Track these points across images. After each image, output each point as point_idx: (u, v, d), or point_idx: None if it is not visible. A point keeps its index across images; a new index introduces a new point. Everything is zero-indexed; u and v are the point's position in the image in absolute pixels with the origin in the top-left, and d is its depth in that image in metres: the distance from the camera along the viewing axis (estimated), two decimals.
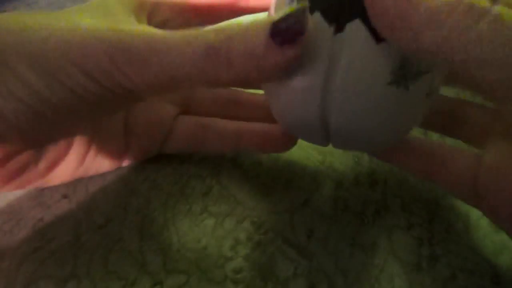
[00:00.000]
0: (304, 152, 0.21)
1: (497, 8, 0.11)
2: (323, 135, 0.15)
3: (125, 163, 0.20)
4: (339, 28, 0.13)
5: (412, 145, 0.17)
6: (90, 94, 0.14)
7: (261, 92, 0.20)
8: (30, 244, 0.17)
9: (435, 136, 0.21)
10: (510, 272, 0.15)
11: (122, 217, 0.18)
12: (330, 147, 0.16)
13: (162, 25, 0.18)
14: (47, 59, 0.13)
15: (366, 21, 0.13)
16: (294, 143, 0.19)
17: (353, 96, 0.14)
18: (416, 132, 0.21)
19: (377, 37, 0.13)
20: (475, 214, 0.18)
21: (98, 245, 0.17)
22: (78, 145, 0.18)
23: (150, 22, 0.17)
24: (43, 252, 0.16)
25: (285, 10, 0.13)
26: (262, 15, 0.15)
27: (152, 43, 0.13)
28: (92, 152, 0.19)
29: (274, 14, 0.15)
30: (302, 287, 0.15)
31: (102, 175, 0.20)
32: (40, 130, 0.15)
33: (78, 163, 0.19)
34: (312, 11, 0.13)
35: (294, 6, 0.13)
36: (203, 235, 0.17)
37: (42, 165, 0.17)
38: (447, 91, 0.19)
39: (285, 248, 0.17)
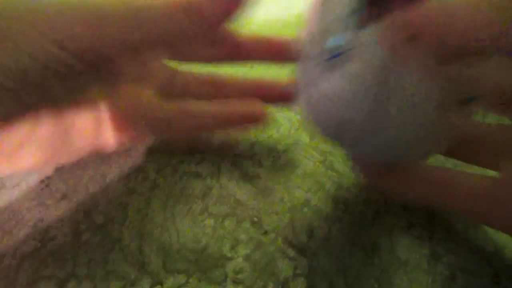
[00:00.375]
0: (304, 152, 0.21)
1: None
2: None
3: (109, 147, 0.20)
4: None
5: (413, 171, 0.16)
6: (56, 63, 0.13)
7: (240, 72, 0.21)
8: (30, 244, 0.17)
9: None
10: (510, 272, 0.15)
11: (122, 217, 0.18)
12: (330, 147, 0.16)
13: None
14: (9, 25, 0.13)
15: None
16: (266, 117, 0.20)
17: (408, 115, 0.13)
18: None
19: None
20: None
21: (98, 245, 0.17)
22: (46, 125, 0.17)
23: None
24: (43, 252, 0.16)
25: None
26: None
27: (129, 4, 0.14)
28: (62, 134, 0.18)
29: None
30: (302, 287, 0.15)
31: (102, 175, 0.20)
32: (2, 104, 0.14)
33: (48, 145, 0.17)
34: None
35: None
36: (203, 235, 0.17)
37: (6, 145, 0.16)
38: None
39: (285, 248, 0.17)
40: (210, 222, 0.18)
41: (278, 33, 0.22)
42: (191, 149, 0.21)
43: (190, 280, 0.15)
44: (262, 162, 0.21)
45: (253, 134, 0.23)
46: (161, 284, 0.15)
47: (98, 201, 0.19)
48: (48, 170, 0.21)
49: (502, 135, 0.17)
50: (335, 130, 0.15)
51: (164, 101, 0.20)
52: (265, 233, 0.17)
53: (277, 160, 0.21)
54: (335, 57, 0.13)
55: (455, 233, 0.17)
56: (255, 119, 0.20)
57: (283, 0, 0.36)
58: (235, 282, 0.15)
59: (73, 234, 0.17)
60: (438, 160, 0.19)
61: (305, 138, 0.22)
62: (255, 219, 0.18)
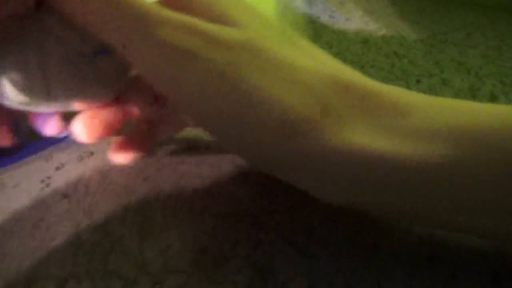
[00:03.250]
0: None
1: None
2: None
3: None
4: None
5: None
6: None
7: None
8: (30, 244, 0.17)
9: None
10: (510, 272, 0.15)
11: (122, 217, 0.18)
12: None
13: None
14: None
15: None
16: None
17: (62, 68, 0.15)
18: None
19: None
20: None
21: (98, 245, 0.17)
22: None
23: None
24: (43, 252, 0.16)
25: None
26: None
27: None
28: None
29: None
30: (302, 287, 0.15)
31: (102, 175, 0.20)
32: None
33: None
34: None
35: None
36: (203, 235, 0.17)
37: None
38: None
39: (285, 248, 0.17)
40: (210, 222, 0.18)
41: None
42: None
43: (190, 280, 0.15)
44: None
45: None
46: (161, 284, 0.15)
47: (98, 201, 0.19)
48: (48, 170, 0.21)
49: None
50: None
51: None
52: (265, 233, 0.17)
53: None
54: None
55: (455, 233, 0.17)
56: None
57: None
58: (235, 282, 0.15)
59: (73, 234, 0.17)
60: None
61: None
62: (255, 219, 0.18)
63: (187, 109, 0.15)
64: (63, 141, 0.23)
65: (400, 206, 0.14)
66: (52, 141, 0.23)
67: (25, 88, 0.15)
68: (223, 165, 0.21)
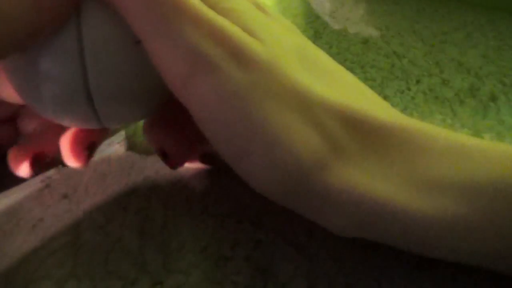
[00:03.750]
0: None
1: None
2: (88, 106, 0.15)
3: None
4: None
5: None
6: None
7: None
8: (30, 244, 0.17)
9: None
10: (510, 272, 0.15)
11: (122, 217, 0.18)
12: None
13: None
14: None
15: None
16: None
17: (104, 57, 0.14)
18: None
19: None
20: None
21: (98, 245, 0.17)
22: None
23: None
24: (43, 252, 0.16)
25: None
26: None
27: None
28: None
29: None
30: (302, 287, 0.15)
31: (102, 175, 0.20)
32: None
33: None
34: None
35: None
36: (203, 235, 0.17)
37: None
38: None
39: (285, 248, 0.17)
40: (210, 222, 0.18)
41: None
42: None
43: (190, 280, 0.15)
44: None
45: None
46: (161, 284, 0.15)
47: (98, 201, 0.19)
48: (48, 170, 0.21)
49: None
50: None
51: None
52: (265, 233, 0.17)
53: None
54: None
55: None
56: None
57: None
58: (235, 282, 0.15)
59: (73, 234, 0.17)
60: None
61: None
62: (255, 219, 0.18)
63: (196, 119, 0.14)
64: None
65: (405, 244, 0.14)
66: None
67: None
68: (223, 165, 0.21)
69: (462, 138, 0.14)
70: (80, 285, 0.15)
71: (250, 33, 0.15)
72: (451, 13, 0.48)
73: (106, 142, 0.23)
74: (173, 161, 0.18)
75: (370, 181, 0.13)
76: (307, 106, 0.14)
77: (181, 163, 0.19)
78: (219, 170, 0.21)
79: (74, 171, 0.21)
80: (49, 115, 0.16)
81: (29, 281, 0.15)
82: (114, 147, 0.23)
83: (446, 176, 0.13)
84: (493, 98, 0.29)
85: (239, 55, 0.14)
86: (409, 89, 0.30)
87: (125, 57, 0.14)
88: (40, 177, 0.20)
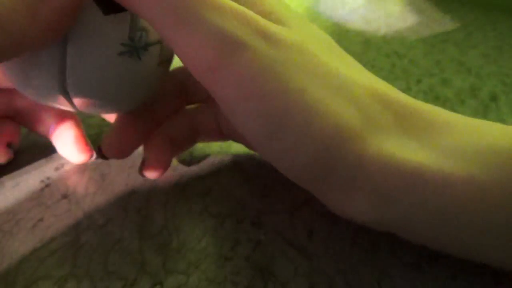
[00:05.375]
0: None
1: None
2: (66, 100, 0.16)
3: None
4: None
5: None
6: None
7: None
8: (30, 244, 0.17)
9: None
10: (510, 272, 0.15)
11: (122, 217, 0.18)
12: None
13: None
14: None
15: None
16: None
17: (86, 65, 0.14)
18: None
19: (105, 9, 0.13)
20: None
21: (98, 245, 0.17)
22: None
23: None
24: (43, 252, 0.16)
25: None
26: None
27: None
28: None
29: None
30: (302, 287, 0.15)
31: (102, 175, 0.20)
32: None
33: None
34: None
35: None
36: (203, 235, 0.17)
37: None
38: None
39: (285, 248, 0.17)
40: (210, 222, 0.18)
41: None
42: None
43: (190, 280, 0.15)
44: (262, 162, 0.21)
45: None
46: (161, 284, 0.15)
47: (98, 201, 0.19)
48: (48, 170, 0.21)
49: None
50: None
51: None
52: (265, 233, 0.17)
53: None
54: None
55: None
56: None
57: None
58: (235, 282, 0.15)
59: (73, 234, 0.17)
60: None
61: None
62: (255, 219, 0.18)
63: (227, 103, 0.14)
64: None
65: (427, 225, 0.14)
66: None
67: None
68: (223, 165, 0.21)
69: (474, 119, 0.15)
70: (80, 285, 0.15)
71: (277, 21, 0.15)
72: (451, 12, 0.48)
73: None
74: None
75: (402, 151, 0.14)
76: (340, 84, 0.14)
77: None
78: (219, 170, 0.21)
79: (74, 171, 0.21)
80: (34, 100, 0.17)
81: (29, 281, 0.15)
82: None
83: (470, 145, 0.14)
84: (494, 98, 0.29)
85: (266, 34, 0.14)
86: (409, 89, 0.30)
87: (106, 68, 0.15)
88: (40, 177, 0.20)
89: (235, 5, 0.14)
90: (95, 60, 0.15)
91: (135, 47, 0.15)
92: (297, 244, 0.17)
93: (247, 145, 0.20)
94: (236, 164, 0.21)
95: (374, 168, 0.14)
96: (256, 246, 0.17)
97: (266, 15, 0.15)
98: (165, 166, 0.19)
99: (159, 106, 0.20)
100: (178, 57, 0.14)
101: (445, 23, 0.44)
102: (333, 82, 0.14)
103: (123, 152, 0.19)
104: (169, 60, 0.18)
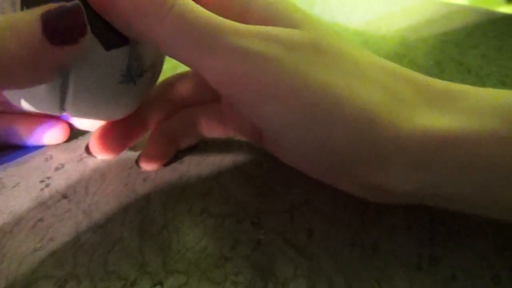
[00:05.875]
0: None
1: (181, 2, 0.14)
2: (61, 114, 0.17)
3: None
4: None
5: None
6: None
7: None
8: (30, 244, 0.17)
9: None
10: (510, 272, 0.15)
11: (122, 217, 0.18)
12: None
13: None
14: None
15: (96, 31, 0.14)
16: None
17: (86, 93, 0.15)
18: None
19: (107, 45, 0.14)
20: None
21: (98, 245, 0.17)
22: None
23: None
24: (43, 252, 0.16)
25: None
26: None
27: None
28: None
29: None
30: (302, 287, 0.15)
31: (102, 175, 0.20)
32: None
33: None
34: None
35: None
36: (203, 235, 0.17)
37: None
38: None
39: (285, 248, 0.17)
40: (210, 222, 0.18)
41: None
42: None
43: (190, 280, 0.15)
44: (262, 162, 0.21)
45: None
46: (161, 284, 0.15)
47: (98, 201, 0.19)
48: (48, 170, 0.21)
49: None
50: None
51: None
52: (265, 233, 0.17)
53: (277, 160, 0.21)
54: None
55: (455, 233, 0.17)
56: None
57: None
58: (235, 282, 0.15)
59: (73, 234, 0.17)
60: None
61: None
62: (255, 219, 0.18)
63: (253, 107, 0.15)
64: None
65: (462, 188, 0.15)
66: None
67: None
68: (223, 165, 0.21)
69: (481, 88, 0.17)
70: (80, 285, 0.15)
71: (287, 23, 0.16)
72: (451, 12, 0.48)
73: None
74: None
75: (429, 121, 0.15)
76: (359, 69, 0.16)
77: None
78: (219, 170, 0.21)
79: (74, 171, 0.21)
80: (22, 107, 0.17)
81: (29, 281, 0.15)
82: None
83: (487, 105, 0.15)
84: None
85: (283, 42, 0.15)
86: None
87: (104, 95, 0.16)
88: (40, 177, 0.20)
89: (252, 26, 0.15)
90: (94, 90, 0.15)
91: (132, 76, 0.16)
92: (297, 244, 0.17)
93: (253, 139, 0.21)
94: (236, 164, 0.21)
95: (408, 141, 0.14)
96: (256, 246, 0.17)
97: (275, 22, 0.16)
98: (162, 159, 0.21)
99: (146, 109, 0.21)
100: (203, 77, 0.15)
101: (445, 23, 0.44)
102: (354, 69, 0.15)
103: (107, 151, 0.20)
104: (157, 78, 0.19)
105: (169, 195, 0.19)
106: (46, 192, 0.19)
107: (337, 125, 0.14)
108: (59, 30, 0.13)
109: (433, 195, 0.15)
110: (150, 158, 0.21)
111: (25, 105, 0.16)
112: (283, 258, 0.16)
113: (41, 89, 0.15)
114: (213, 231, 0.17)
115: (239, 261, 0.16)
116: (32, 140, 0.22)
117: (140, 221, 0.18)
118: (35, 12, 0.13)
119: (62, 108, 0.16)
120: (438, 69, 0.33)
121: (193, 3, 0.15)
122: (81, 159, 0.22)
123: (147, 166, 0.21)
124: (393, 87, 0.16)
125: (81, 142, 0.23)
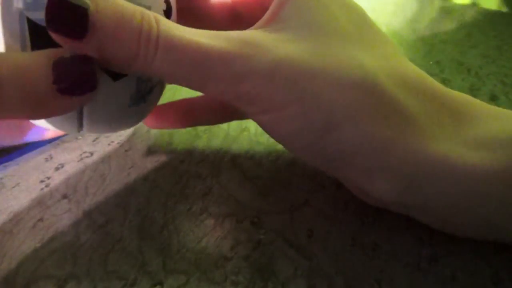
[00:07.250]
0: None
1: (161, 29, 0.14)
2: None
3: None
4: None
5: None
6: None
7: None
8: (30, 244, 0.17)
9: None
10: (510, 272, 0.15)
11: (122, 217, 0.18)
12: None
13: None
14: None
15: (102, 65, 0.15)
16: None
17: (100, 117, 0.16)
18: None
19: (114, 77, 0.15)
20: None
21: (98, 245, 0.17)
22: None
23: None
24: (43, 252, 0.16)
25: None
26: None
27: None
28: None
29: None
30: (302, 287, 0.15)
31: (102, 175, 0.20)
32: None
33: None
34: None
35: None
36: (203, 235, 0.17)
37: None
38: None
39: (285, 248, 0.17)
40: (210, 222, 0.18)
41: None
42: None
43: (190, 280, 0.15)
44: (262, 162, 0.21)
45: (253, 134, 0.23)
46: (161, 284, 0.15)
47: (98, 201, 0.19)
48: (48, 170, 0.21)
49: None
50: None
51: None
52: (265, 233, 0.17)
53: (277, 160, 0.21)
54: None
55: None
56: None
57: None
58: (235, 282, 0.15)
59: (73, 234, 0.17)
60: None
61: None
62: (255, 219, 0.18)
63: (270, 112, 0.15)
64: (60, 139, 0.23)
65: (446, 211, 0.15)
66: (51, 139, 0.23)
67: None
68: (223, 165, 0.21)
69: (496, 107, 0.16)
70: (80, 285, 0.15)
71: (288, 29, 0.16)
72: (451, 12, 0.48)
73: (106, 142, 0.23)
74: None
75: (428, 141, 0.14)
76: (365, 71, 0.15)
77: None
78: (219, 170, 0.21)
79: (74, 171, 0.21)
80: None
81: (29, 281, 0.15)
82: (114, 147, 0.23)
83: (495, 135, 0.15)
84: (494, 98, 0.29)
85: (282, 49, 0.15)
86: None
87: (117, 116, 0.17)
88: (40, 177, 0.20)
89: (237, 48, 0.15)
90: (108, 116, 0.16)
91: (142, 96, 0.17)
92: (297, 244, 0.17)
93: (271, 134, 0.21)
94: (236, 164, 0.21)
95: (399, 155, 0.14)
96: (256, 246, 0.17)
97: (279, 30, 0.16)
98: (167, 122, 0.21)
99: None
100: (208, 95, 0.16)
101: (445, 23, 0.44)
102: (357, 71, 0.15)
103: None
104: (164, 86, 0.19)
105: (169, 195, 0.19)
106: (46, 192, 0.19)
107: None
108: (70, 82, 0.13)
109: (417, 212, 0.16)
110: (157, 115, 0.21)
111: (44, 125, 0.16)
112: (283, 258, 0.16)
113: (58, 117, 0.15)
114: (213, 231, 0.17)
115: (239, 261, 0.16)
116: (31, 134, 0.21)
117: (140, 221, 0.18)
118: (46, 56, 0.13)
119: (80, 129, 0.16)
120: (438, 68, 0.33)
121: (175, 26, 0.14)
122: (81, 159, 0.22)
123: (149, 122, 0.21)
124: (411, 105, 0.15)
125: (81, 142, 0.23)
